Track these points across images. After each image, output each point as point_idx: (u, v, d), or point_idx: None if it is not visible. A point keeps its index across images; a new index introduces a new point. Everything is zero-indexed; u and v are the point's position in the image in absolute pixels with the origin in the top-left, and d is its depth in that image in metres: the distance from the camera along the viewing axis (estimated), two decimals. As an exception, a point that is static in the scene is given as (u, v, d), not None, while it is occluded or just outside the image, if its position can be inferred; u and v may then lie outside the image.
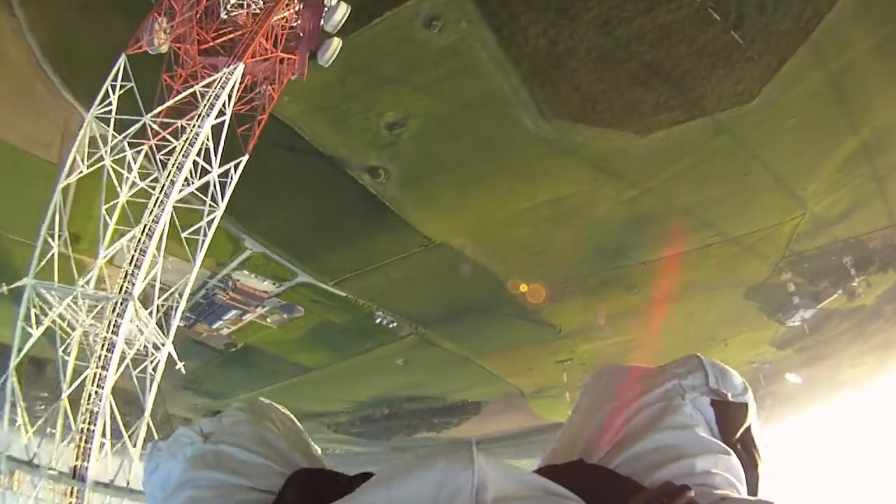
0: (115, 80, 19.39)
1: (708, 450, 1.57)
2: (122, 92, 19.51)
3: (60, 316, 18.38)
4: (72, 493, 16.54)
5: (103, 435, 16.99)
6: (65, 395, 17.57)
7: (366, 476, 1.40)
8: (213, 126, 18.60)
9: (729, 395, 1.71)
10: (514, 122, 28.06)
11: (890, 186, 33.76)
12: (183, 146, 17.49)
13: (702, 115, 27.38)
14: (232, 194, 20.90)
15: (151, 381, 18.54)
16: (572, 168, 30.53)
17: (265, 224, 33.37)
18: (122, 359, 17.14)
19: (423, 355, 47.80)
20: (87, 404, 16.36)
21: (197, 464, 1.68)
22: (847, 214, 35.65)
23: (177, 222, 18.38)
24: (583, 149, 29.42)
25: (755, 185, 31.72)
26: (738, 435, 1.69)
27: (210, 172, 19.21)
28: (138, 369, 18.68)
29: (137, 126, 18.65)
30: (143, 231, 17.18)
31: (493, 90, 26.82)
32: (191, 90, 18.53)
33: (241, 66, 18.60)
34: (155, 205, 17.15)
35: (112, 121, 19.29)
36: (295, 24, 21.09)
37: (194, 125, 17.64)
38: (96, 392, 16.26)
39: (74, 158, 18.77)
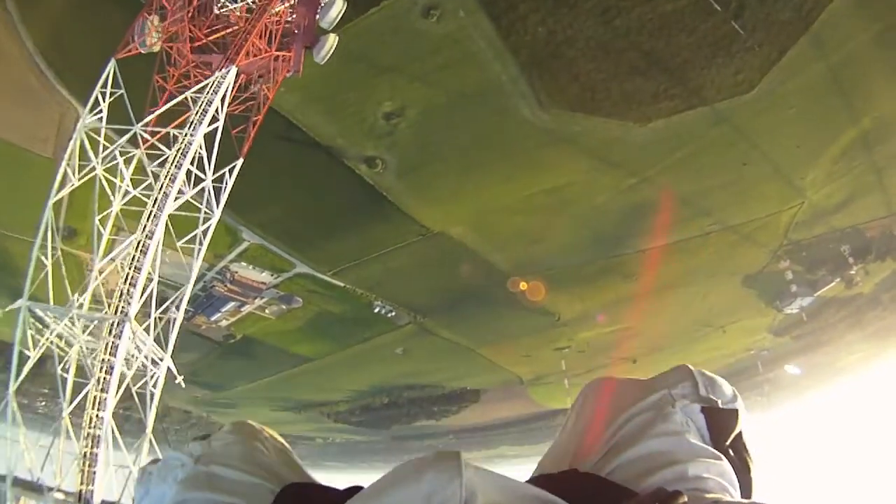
0: (104, 86, 19.04)
1: (699, 455, 1.59)
2: (112, 99, 19.16)
3: (57, 334, 18.24)
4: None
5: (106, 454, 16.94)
6: (66, 414, 17.49)
7: (356, 489, 1.42)
8: (206, 133, 18.34)
9: (719, 402, 1.73)
10: (512, 111, 27.93)
11: (888, 177, 33.75)
12: (175, 156, 17.17)
13: (701, 105, 27.28)
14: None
15: (151, 397, 18.39)
16: (571, 157, 30.46)
17: (263, 215, 33.28)
18: (122, 379, 17.03)
19: (421, 344, 47.93)
20: (90, 428, 16.27)
21: (189, 485, 1.68)
22: (845, 204, 35.69)
23: (172, 232, 18.20)
24: (581, 138, 29.31)
25: (754, 175, 31.68)
26: (729, 441, 1.70)
27: (204, 180, 18.93)
28: (137, 385, 18.54)
29: (128, 136, 18.30)
30: (138, 248, 16.90)
31: (492, 79, 26.66)
32: (182, 96, 18.14)
33: (233, 70, 18.25)
34: (148, 219, 16.86)
35: (103, 130, 18.94)
36: (290, 20, 20.75)
37: (186, 134, 17.30)
38: (98, 416, 16.17)
39: (65, 172, 18.44)
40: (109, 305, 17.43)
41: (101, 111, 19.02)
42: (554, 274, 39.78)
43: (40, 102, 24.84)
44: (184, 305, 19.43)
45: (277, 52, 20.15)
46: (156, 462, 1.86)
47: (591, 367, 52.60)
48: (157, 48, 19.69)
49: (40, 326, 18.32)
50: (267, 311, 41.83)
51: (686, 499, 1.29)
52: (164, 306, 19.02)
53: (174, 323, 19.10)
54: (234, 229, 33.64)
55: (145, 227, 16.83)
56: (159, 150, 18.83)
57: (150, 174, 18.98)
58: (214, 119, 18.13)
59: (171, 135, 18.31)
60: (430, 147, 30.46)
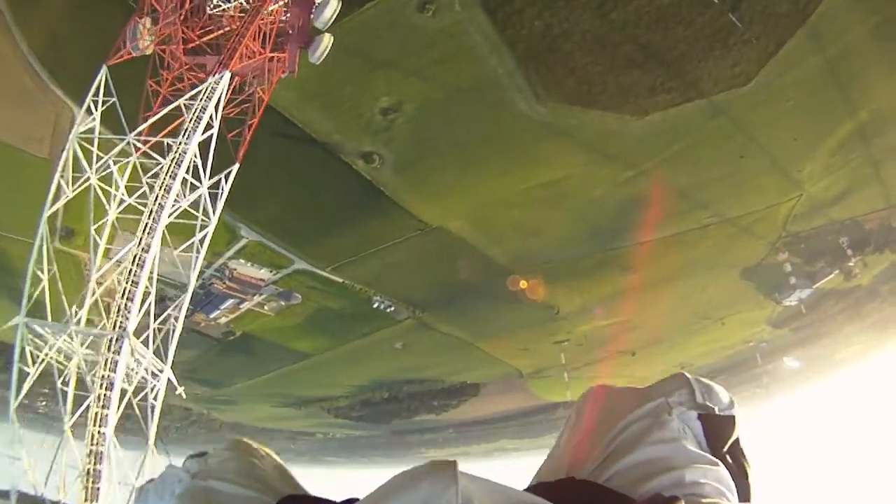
0: (96, 94, 18.79)
1: (696, 461, 1.59)
2: (104, 108, 18.92)
3: (56, 349, 18.10)
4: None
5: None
6: (67, 427, 17.39)
7: (351, 502, 1.47)
8: (200, 141, 18.08)
9: (715, 409, 1.73)
10: (509, 105, 27.87)
11: (886, 169, 33.75)
12: (170, 166, 16.94)
13: (698, 98, 27.24)
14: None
15: (152, 409, 18.26)
16: (568, 150, 30.42)
17: (260, 212, 33.24)
18: (122, 395, 16.92)
19: (421, 339, 48.01)
20: (92, 445, 16.21)
21: (186, 500, 1.69)
22: (843, 196, 35.69)
23: (169, 239, 18.00)
24: (578, 131, 29.27)
25: (751, 167, 31.66)
26: (726, 447, 1.71)
27: (199, 188, 18.74)
28: (138, 397, 18.40)
29: (120, 146, 18.06)
30: (134, 261, 16.73)
31: (488, 74, 26.60)
32: (175, 103, 17.88)
33: (227, 75, 18.01)
34: (144, 231, 16.69)
35: (96, 141, 18.68)
36: (284, 20, 20.56)
37: (181, 143, 17.07)
38: (99, 432, 16.09)
39: (59, 184, 18.23)
40: (108, 316, 17.26)
41: (93, 119, 18.76)
42: (552, 267, 39.82)
43: (35, 103, 24.74)
44: (182, 315, 19.24)
45: (272, 54, 19.93)
46: (153, 481, 1.87)
47: (590, 360, 52.77)
48: (149, 51, 19.46)
49: (39, 342, 18.17)
50: (266, 307, 41.83)
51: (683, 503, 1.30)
52: (162, 316, 18.83)
53: (173, 332, 18.95)
54: (233, 227, 33.58)
55: (141, 239, 16.63)
56: (154, 156, 18.62)
57: (145, 182, 18.76)
58: (209, 126, 17.86)
59: (166, 143, 18.07)
60: (428, 142, 30.39)
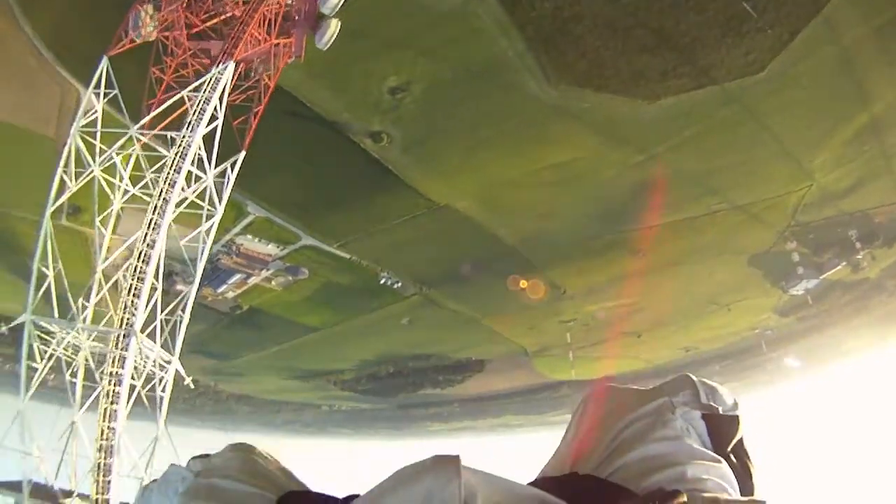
0: (97, 86, 18.59)
1: (698, 458, 1.61)
2: (106, 100, 18.70)
3: (62, 338, 18.19)
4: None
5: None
6: (76, 418, 17.59)
7: (353, 498, 1.46)
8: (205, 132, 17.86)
9: (719, 409, 1.76)
10: (519, 87, 27.60)
11: (898, 163, 33.25)
12: (174, 159, 16.79)
13: (710, 84, 26.83)
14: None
15: (161, 400, 18.35)
16: (578, 133, 30.14)
17: (268, 189, 33.23)
18: (131, 389, 17.05)
19: (427, 315, 48.27)
20: (102, 439, 16.41)
21: (190, 498, 1.70)
22: (854, 188, 35.22)
23: (174, 230, 17.94)
24: (589, 114, 28.98)
25: (762, 155, 31.23)
26: (730, 447, 1.73)
27: (205, 178, 18.58)
28: (147, 388, 18.48)
29: (123, 140, 17.90)
30: (140, 258, 16.66)
31: (498, 55, 26.27)
32: (178, 95, 17.66)
33: (231, 65, 17.76)
34: (150, 227, 16.59)
35: (98, 134, 18.50)
36: (290, 3, 20.20)
37: (184, 136, 16.90)
38: (109, 427, 16.27)
39: (62, 179, 18.15)
40: (115, 308, 17.31)
41: (95, 112, 18.57)
42: (560, 248, 39.73)
43: (40, 84, 24.51)
44: (189, 307, 19.29)
45: (278, 40, 19.64)
46: (156, 480, 1.89)
47: (595, 340, 52.94)
48: (152, 38, 19.18)
49: (46, 337, 18.30)
50: (273, 282, 42.06)
51: (685, 498, 1.33)
52: (170, 308, 18.87)
53: (181, 324, 19.02)
54: (240, 203, 33.62)
55: (146, 235, 16.58)
56: (158, 149, 18.44)
57: (149, 179, 18.65)
58: (213, 118, 17.68)
59: (169, 136, 17.90)
60: (436, 122, 30.21)
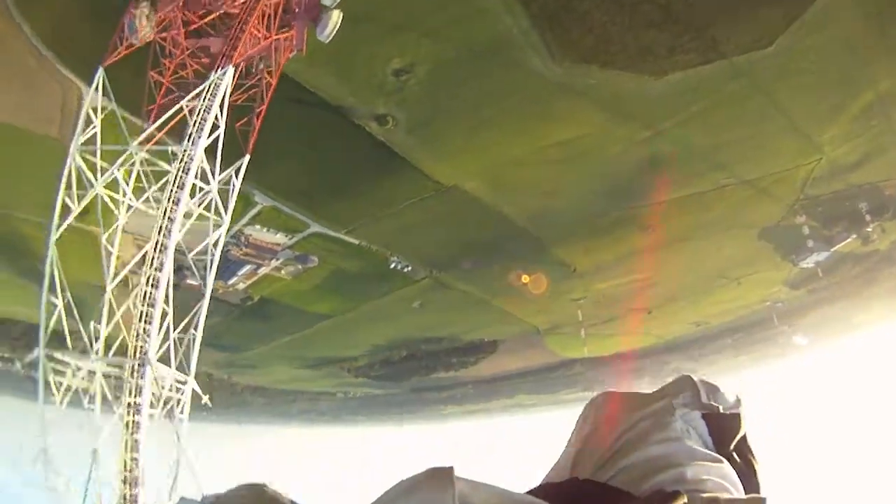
0: (94, 101, 18.27)
1: (698, 458, 1.62)
2: (103, 115, 18.36)
3: (77, 367, 18.14)
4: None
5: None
6: (98, 446, 17.60)
7: None
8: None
9: (720, 408, 1.78)
10: (523, 65, 27.40)
11: (907, 138, 32.96)
12: (177, 175, 16.51)
13: (718, 59, 26.56)
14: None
15: (181, 422, 18.26)
16: (584, 110, 29.98)
17: (274, 177, 33.12)
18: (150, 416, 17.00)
19: (438, 297, 48.37)
20: (126, 471, 16.46)
21: None
22: (863, 161, 34.96)
23: (182, 244, 17.75)
24: (595, 91, 28.78)
25: (771, 130, 31.03)
26: (733, 445, 1.76)
27: (209, 188, 18.30)
28: (165, 410, 18.42)
29: (123, 157, 17.62)
30: (149, 282, 16.51)
31: (503, 33, 26.06)
32: (176, 107, 17.31)
33: (230, 70, 17.43)
34: (156, 249, 16.41)
35: (98, 152, 18.22)
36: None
37: (186, 149, 16.60)
38: (132, 458, 16.29)
39: (63, 201, 17.94)
40: (128, 333, 17.17)
41: (94, 127, 18.24)
42: (568, 225, 39.66)
43: (42, 85, 24.32)
44: (201, 324, 19.19)
45: (278, 36, 19.28)
46: None
47: (606, 318, 53.00)
48: (149, 38, 18.81)
49: (61, 368, 18.26)
50: (283, 271, 42.12)
51: (685, 499, 1.36)
52: (181, 325, 18.72)
53: (194, 341, 18.93)
54: (247, 193, 33.55)
55: (153, 259, 16.38)
56: (164, 147, 18.19)
57: (153, 199, 18.41)
58: (215, 126, 17.36)
59: (170, 150, 17.58)
60: (441, 102, 30.05)
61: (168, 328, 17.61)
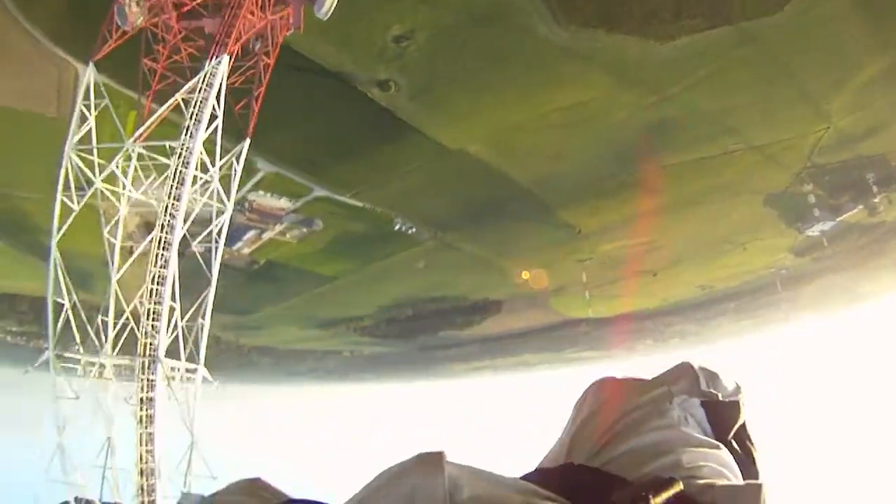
0: (86, 99, 17.81)
1: (694, 445, 1.61)
2: (97, 112, 17.93)
3: (89, 363, 18.20)
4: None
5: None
6: (111, 433, 17.77)
7: None
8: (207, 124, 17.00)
9: (719, 395, 1.77)
10: (527, 29, 26.99)
11: (918, 108, 32.27)
12: (177, 168, 16.17)
13: (725, 24, 25.98)
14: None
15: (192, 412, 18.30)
16: (589, 75, 29.58)
17: (277, 144, 32.88)
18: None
19: (443, 258, 48.46)
20: (142, 463, 16.67)
21: None
22: (872, 132, 34.46)
23: (188, 236, 17.59)
24: (600, 55, 28.37)
25: (779, 96, 30.54)
26: (732, 433, 1.74)
27: (209, 177, 17.99)
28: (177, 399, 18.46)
29: (120, 155, 17.27)
30: (155, 280, 16.40)
31: (505, -1, 25.48)
32: (171, 101, 16.86)
33: (225, 59, 16.93)
34: (160, 246, 16.23)
35: (95, 151, 17.84)
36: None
37: (184, 143, 16.23)
38: (148, 451, 16.46)
39: (62, 202, 17.70)
40: (136, 328, 17.12)
41: (88, 125, 17.84)
42: (574, 188, 39.42)
43: (36, 66, 23.99)
44: (209, 312, 19.14)
45: (274, 16, 18.73)
46: None
47: (611, 279, 53.03)
48: (141, 24, 18.26)
49: (71, 365, 18.32)
50: (288, 235, 42.16)
51: (681, 485, 1.34)
52: (189, 313, 18.65)
53: (203, 329, 18.92)
54: (249, 160, 33.36)
55: (158, 256, 16.22)
56: (160, 142, 17.84)
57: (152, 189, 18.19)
58: (213, 116, 16.93)
59: (168, 144, 17.17)
60: (443, 68, 29.65)
61: (176, 320, 17.66)
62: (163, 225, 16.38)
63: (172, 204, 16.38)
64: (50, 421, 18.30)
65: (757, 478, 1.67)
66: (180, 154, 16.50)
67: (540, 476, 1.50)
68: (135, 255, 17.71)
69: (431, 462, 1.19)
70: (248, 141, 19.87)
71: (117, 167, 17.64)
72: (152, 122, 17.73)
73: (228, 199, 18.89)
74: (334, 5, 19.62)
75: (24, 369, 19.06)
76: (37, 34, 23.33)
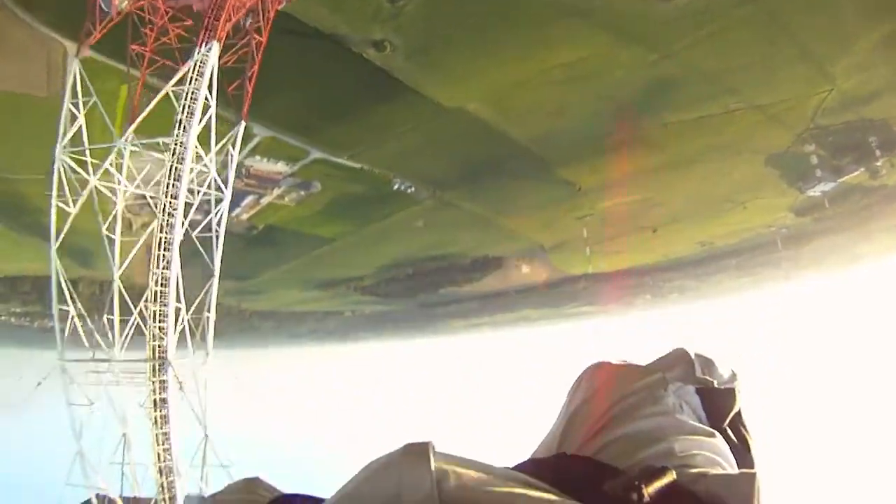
0: (74, 96, 17.23)
1: (688, 432, 1.60)
2: (86, 109, 17.40)
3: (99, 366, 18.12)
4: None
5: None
6: (127, 431, 17.81)
7: None
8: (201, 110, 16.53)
9: (715, 382, 1.77)
10: (527, -14, 26.28)
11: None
12: (173, 165, 15.73)
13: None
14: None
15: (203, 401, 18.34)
16: (589, 32, 29.11)
17: (272, 109, 32.44)
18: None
19: (443, 217, 48.36)
20: (159, 462, 16.84)
21: None
22: (876, 95, 33.82)
23: (189, 229, 17.33)
24: (600, 13, 27.88)
25: (782, 56, 29.95)
26: (727, 421, 1.73)
27: (206, 166, 17.62)
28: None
29: (113, 154, 16.83)
30: (157, 281, 16.20)
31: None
32: (162, 92, 16.34)
33: (214, 46, 16.35)
34: (161, 247, 15.96)
35: (88, 151, 17.38)
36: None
37: (177, 138, 15.75)
38: (165, 449, 16.52)
39: (58, 207, 17.33)
40: (141, 320, 17.05)
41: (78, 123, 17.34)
42: (573, 146, 39.11)
43: (25, 49, 23.22)
44: (213, 305, 19.06)
45: None
46: None
47: (611, 235, 53.01)
48: (127, 9, 17.63)
49: (80, 368, 18.29)
50: (286, 198, 41.99)
51: (674, 474, 1.33)
52: (195, 304, 18.54)
53: (209, 321, 18.83)
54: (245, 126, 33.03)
55: (160, 256, 15.99)
56: (153, 139, 17.43)
57: (150, 200, 17.80)
58: (206, 106, 16.44)
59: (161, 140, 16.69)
60: (440, 26, 29.18)
61: (181, 314, 17.63)
62: (162, 225, 16.16)
63: (170, 202, 16.09)
64: (67, 427, 18.49)
65: (752, 466, 1.64)
66: (174, 151, 16.09)
67: (532, 466, 1.49)
68: (134, 252, 17.56)
69: (418, 453, 1.16)
70: (243, 124, 19.42)
71: (111, 165, 17.30)
72: (142, 117, 17.30)
73: (226, 186, 18.60)
74: None
75: (36, 382, 18.99)
76: (24, 15, 22.65)
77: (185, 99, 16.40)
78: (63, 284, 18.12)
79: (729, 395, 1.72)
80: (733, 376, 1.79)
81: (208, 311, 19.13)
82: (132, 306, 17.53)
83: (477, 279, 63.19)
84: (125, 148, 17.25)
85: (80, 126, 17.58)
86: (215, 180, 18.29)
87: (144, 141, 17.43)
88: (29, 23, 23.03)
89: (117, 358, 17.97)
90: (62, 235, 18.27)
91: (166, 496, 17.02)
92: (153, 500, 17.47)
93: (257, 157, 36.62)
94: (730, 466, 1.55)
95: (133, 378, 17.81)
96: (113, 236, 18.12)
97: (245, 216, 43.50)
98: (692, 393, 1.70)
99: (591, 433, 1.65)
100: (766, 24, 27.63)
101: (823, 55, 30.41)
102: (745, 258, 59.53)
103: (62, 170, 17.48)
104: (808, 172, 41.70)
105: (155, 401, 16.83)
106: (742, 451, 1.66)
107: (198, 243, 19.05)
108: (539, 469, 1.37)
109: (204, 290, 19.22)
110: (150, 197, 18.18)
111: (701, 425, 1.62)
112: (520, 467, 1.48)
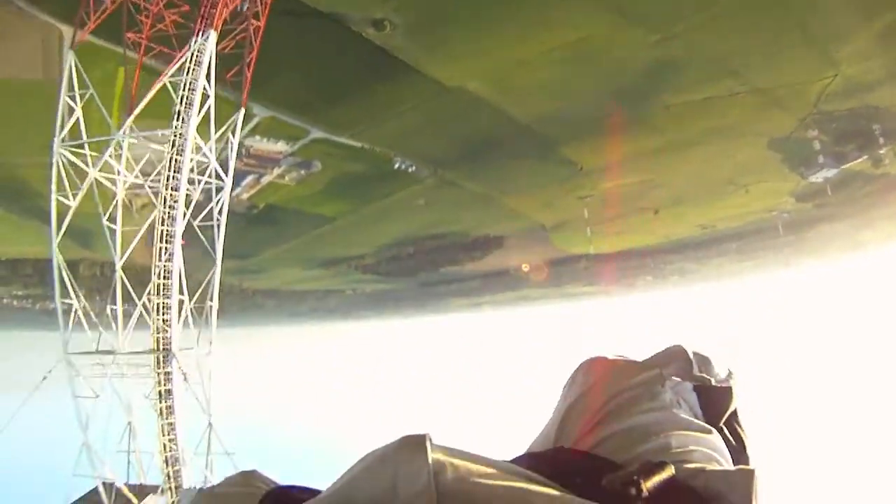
0: (70, 90, 16.99)
1: (685, 427, 1.59)
2: (83, 102, 17.17)
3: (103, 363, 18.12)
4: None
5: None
6: (132, 420, 17.83)
7: None
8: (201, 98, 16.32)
9: (712, 380, 1.77)
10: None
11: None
12: (172, 158, 15.54)
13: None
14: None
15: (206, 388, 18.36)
16: (591, 12, 28.77)
17: (271, 89, 32.27)
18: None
19: (444, 195, 48.31)
20: (165, 452, 16.94)
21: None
22: (880, 83, 33.43)
23: (189, 216, 17.20)
24: (603, -8, 27.38)
25: (786, 41, 29.60)
26: (724, 419, 1.74)
27: (205, 155, 17.44)
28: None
29: (111, 147, 16.63)
30: (161, 275, 16.09)
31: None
32: (159, 84, 16.07)
33: (212, 35, 16.06)
34: (163, 240, 15.84)
35: (87, 146, 17.18)
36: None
37: (176, 129, 15.54)
38: (170, 440, 16.58)
39: (58, 201, 17.17)
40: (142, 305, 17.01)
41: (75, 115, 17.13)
42: (575, 126, 38.92)
43: (18, 33, 22.89)
44: (216, 294, 19.04)
45: None
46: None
47: (612, 216, 52.90)
48: None
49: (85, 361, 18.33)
50: (286, 178, 41.88)
51: (672, 469, 1.34)
52: (197, 293, 18.51)
53: (211, 310, 18.80)
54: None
55: (161, 249, 15.91)
56: (152, 131, 17.24)
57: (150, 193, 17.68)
58: (205, 96, 16.22)
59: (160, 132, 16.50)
60: (440, 5, 28.97)
61: (184, 304, 17.65)
62: (163, 218, 16.12)
63: (171, 195, 16.01)
64: (73, 419, 18.62)
65: (748, 464, 1.64)
66: (174, 143, 15.97)
67: (529, 460, 1.49)
68: (134, 243, 17.55)
69: (415, 445, 1.14)
70: (242, 111, 19.26)
71: (110, 157, 17.22)
72: (140, 108, 17.17)
73: (226, 174, 18.52)
74: None
75: (42, 375, 19.04)
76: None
77: (184, 89, 16.21)
78: (66, 279, 18.14)
79: (726, 393, 1.72)
80: (730, 375, 1.78)
81: (211, 299, 19.12)
82: (135, 297, 17.60)
83: (478, 258, 63.21)
84: (123, 140, 17.12)
85: (78, 118, 17.43)
86: (216, 170, 18.14)
87: (144, 133, 17.30)
88: (23, 8, 22.73)
89: (122, 350, 18.05)
90: (63, 229, 18.22)
91: (172, 485, 17.23)
92: (159, 488, 17.77)
93: (257, 137, 36.51)
94: (727, 463, 1.54)
95: (137, 370, 17.95)
96: (114, 226, 18.12)
97: (245, 195, 43.45)
98: (689, 390, 1.69)
99: (588, 428, 1.62)
100: (770, 6, 27.28)
101: (828, 41, 30.02)
102: (746, 242, 59.41)
103: (61, 164, 17.38)
104: (811, 158, 41.39)
105: (160, 392, 16.99)
106: (738, 449, 1.64)
107: (199, 233, 18.97)
108: (537, 463, 1.36)
109: (206, 280, 19.18)
110: (150, 186, 18.09)
111: (698, 421, 1.61)
112: (517, 461, 1.47)
